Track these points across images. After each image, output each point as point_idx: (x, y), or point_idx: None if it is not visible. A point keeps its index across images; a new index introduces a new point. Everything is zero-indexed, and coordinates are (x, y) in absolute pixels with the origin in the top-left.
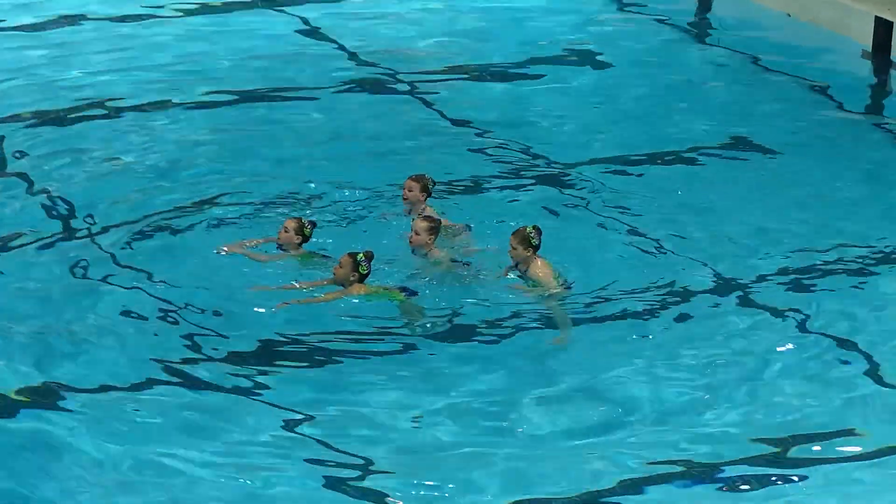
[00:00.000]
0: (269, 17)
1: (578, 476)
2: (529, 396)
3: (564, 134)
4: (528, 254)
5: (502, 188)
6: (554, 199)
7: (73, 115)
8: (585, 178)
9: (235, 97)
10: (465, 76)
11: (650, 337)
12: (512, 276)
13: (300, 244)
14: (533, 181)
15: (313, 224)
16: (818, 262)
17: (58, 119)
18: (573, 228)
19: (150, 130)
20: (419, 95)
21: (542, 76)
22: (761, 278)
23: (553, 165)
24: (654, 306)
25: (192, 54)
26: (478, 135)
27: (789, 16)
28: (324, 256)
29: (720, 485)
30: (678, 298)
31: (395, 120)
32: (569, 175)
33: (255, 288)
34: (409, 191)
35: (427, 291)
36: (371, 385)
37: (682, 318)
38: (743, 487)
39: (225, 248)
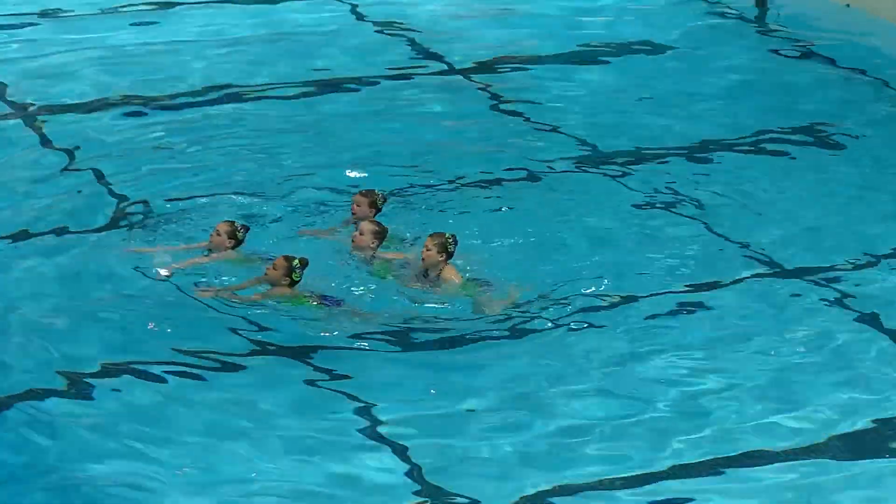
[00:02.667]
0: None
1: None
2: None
3: (609, 124)
4: (441, 259)
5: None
6: (600, 191)
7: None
8: (635, 169)
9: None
10: (514, 64)
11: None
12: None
13: (232, 248)
14: (577, 171)
15: (246, 228)
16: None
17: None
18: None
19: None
20: (462, 83)
21: (593, 66)
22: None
23: (597, 155)
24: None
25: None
26: (525, 122)
27: (848, 6)
28: (261, 259)
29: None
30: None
31: (436, 109)
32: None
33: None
34: (358, 206)
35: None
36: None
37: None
38: None
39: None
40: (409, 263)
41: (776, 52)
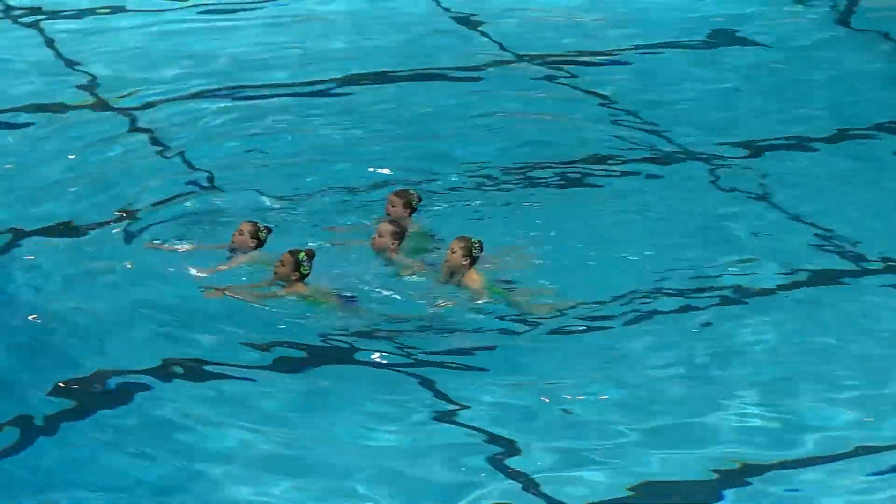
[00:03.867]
0: None
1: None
2: None
3: (697, 117)
4: (465, 263)
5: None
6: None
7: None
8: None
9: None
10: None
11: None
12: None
13: (255, 248)
14: (658, 164)
15: (269, 229)
16: None
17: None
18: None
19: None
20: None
21: (677, 58)
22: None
23: (682, 150)
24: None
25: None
26: (611, 119)
27: None
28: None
29: None
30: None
31: (518, 100)
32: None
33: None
34: (392, 206)
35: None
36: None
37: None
38: None
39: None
40: (431, 268)
41: (853, 46)
